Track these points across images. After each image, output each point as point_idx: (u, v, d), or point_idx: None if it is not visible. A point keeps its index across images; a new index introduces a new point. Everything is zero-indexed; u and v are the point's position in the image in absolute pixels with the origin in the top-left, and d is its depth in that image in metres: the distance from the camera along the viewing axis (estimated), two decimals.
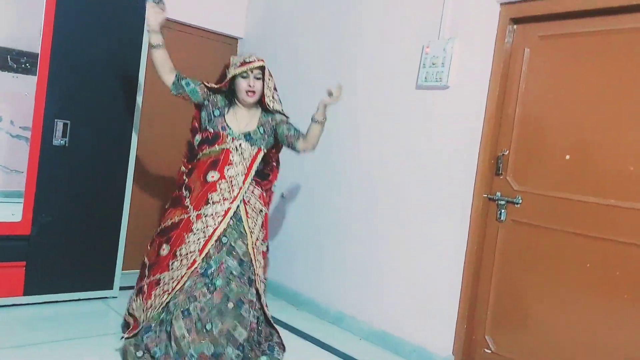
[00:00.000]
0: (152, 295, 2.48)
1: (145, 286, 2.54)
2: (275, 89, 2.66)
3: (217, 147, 2.54)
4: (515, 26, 2.64)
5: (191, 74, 3.86)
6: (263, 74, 2.56)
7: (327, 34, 3.47)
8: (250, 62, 2.52)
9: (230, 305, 2.44)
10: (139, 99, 3.14)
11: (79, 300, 3.06)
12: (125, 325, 2.68)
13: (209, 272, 2.45)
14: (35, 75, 2.83)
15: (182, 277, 2.42)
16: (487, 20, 2.66)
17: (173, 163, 3.87)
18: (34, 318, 2.76)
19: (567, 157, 2.45)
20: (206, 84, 2.66)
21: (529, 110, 2.60)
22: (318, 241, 3.43)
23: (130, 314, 2.64)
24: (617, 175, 2.30)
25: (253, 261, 2.53)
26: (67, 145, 2.90)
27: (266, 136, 2.61)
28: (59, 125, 2.87)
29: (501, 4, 2.63)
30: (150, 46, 2.59)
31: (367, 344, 2.97)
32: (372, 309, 3.05)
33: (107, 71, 3.01)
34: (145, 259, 2.64)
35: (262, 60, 2.55)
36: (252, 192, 2.58)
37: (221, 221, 2.46)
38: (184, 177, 2.64)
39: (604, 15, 2.37)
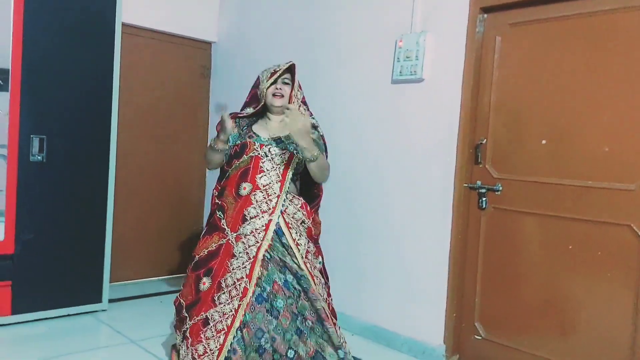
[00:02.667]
0: (202, 338, 2.16)
1: (188, 331, 2.21)
2: (304, 103, 2.42)
3: (245, 156, 2.29)
4: (485, 15, 2.66)
5: (164, 81, 3.88)
6: (293, 81, 2.36)
7: (301, 34, 3.46)
8: (278, 70, 2.32)
9: (309, 323, 2.21)
10: (114, 109, 3.11)
11: (69, 315, 3.04)
12: None
13: (265, 295, 2.19)
14: (8, 91, 2.79)
15: (236, 311, 2.14)
16: (457, 11, 2.68)
17: (154, 169, 3.87)
18: (25, 337, 2.74)
19: (544, 142, 2.48)
20: (239, 114, 2.43)
21: (503, 98, 2.63)
22: None
23: None
24: (593, 157, 2.34)
25: (310, 276, 2.24)
26: (44, 160, 2.87)
27: (293, 145, 2.28)
28: (35, 141, 2.84)
29: None
30: (214, 149, 2.35)
31: (359, 339, 2.99)
32: (362, 304, 3.07)
33: (80, 84, 2.99)
34: (181, 299, 2.33)
35: (291, 61, 2.36)
36: (291, 201, 2.30)
37: (263, 237, 2.21)
38: (216, 199, 2.38)
39: (573, 0, 2.39)
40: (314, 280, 2.26)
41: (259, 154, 2.29)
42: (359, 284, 3.10)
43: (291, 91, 2.35)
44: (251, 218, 2.23)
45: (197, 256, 2.31)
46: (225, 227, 2.26)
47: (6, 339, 2.70)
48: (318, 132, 2.39)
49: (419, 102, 2.83)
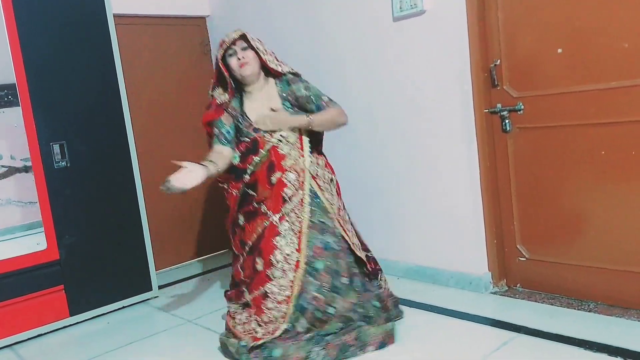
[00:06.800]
0: (264, 309, 2.31)
1: (250, 301, 2.40)
2: (272, 53, 2.50)
3: (262, 151, 2.41)
4: None
5: (167, 66, 3.86)
6: (249, 44, 2.41)
7: None
8: (227, 40, 2.40)
9: (345, 280, 2.32)
10: (124, 103, 3.12)
11: (124, 307, 3.16)
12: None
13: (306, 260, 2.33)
14: (19, 105, 2.83)
15: (292, 282, 2.28)
16: None
17: (174, 154, 3.86)
18: (87, 334, 2.86)
19: (559, 50, 2.39)
20: (215, 96, 2.53)
21: (510, 13, 2.52)
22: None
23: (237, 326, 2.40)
24: (612, 57, 2.25)
25: (343, 232, 2.42)
26: (68, 165, 2.92)
27: (295, 108, 2.47)
28: (56, 147, 2.89)
29: None
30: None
31: (405, 281, 3.03)
32: (403, 247, 3.10)
33: (86, 84, 3.00)
34: (242, 277, 2.52)
35: (239, 30, 2.41)
36: (317, 164, 2.48)
37: (302, 212, 2.36)
38: (243, 190, 2.47)
39: None
40: (347, 235, 2.45)
41: (273, 143, 2.40)
42: (395, 228, 3.12)
43: (258, 54, 2.41)
44: (289, 197, 2.37)
45: (249, 241, 2.45)
46: (267, 211, 2.39)
47: (70, 340, 2.82)
48: (300, 82, 2.48)
49: (424, 35, 2.75)
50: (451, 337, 2.32)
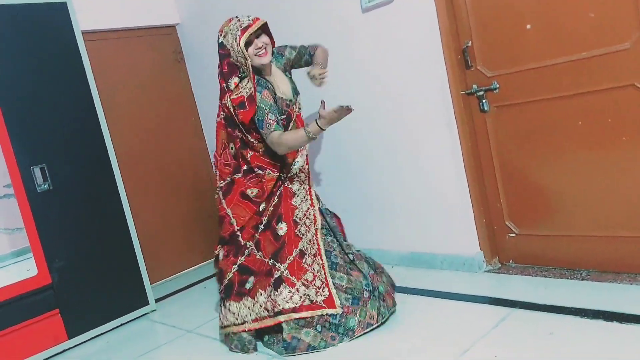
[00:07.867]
0: (305, 266, 2.37)
1: (287, 272, 2.35)
2: None
3: (292, 123, 2.50)
4: None
5: (142, 78, 3.83)
6: (265, 30, 2.38)
7: None
8: (250, 26, 2.30)
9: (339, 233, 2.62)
10: (102, 121, 3.10)
11: (122, 324, 3.14)
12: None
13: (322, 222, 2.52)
14: None
15: (316, 236, 2.44)
16: None
17: (157, 166, 3.88)
18: (87, 355, 2.85)
19: (528, 26, 2.42)
20: (234, 91, 2.38)
21: None
22: (326, 191, 3.45)
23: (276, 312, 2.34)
24: (580, 28, 2.27)
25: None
26: (51, 187, 2.89)
27: (290, 71, 2.64)
28: (37, 171, 2.86)
29: None
30: (310, 137, 2.29)
31: (400, 269, 3.05)
32: (394, 236, 3.11)
33: (61, 105, 2.97)
34: (255, 265, 2.47)
35: (258, 18, 2.33)
36: None
37: (308, 170, 2.55)
38: (271, 171, 2.49)
39: None
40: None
41: (297, 112, 2.54)
42: (385, 217, 3.13)
43: (272, 39, 2.43)
44: (294, 159, 2.49)
45: (264, 217, 2.48)
46: (280, 176, 2.51)
47: None
48: (283, 48, 2.61)
49: (395, 23, 2.76)
50: (449, 318, 2.35)
